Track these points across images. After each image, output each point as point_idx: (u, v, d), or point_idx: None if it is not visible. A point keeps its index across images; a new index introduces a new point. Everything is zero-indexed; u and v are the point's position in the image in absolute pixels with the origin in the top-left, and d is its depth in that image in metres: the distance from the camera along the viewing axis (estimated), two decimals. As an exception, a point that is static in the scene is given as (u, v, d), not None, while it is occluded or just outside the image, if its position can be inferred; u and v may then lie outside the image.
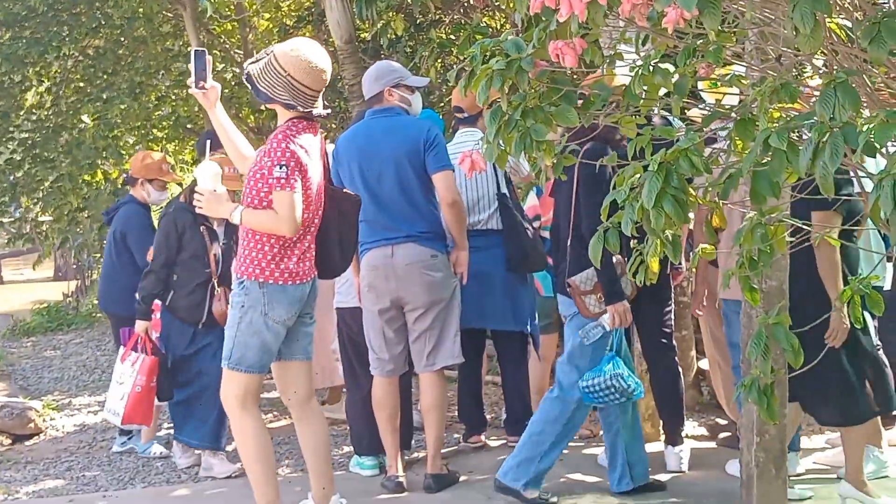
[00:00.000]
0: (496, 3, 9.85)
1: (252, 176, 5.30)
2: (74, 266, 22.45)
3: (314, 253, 5.45)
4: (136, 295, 7.00)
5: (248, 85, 5.39)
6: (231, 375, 5.34)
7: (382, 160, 6.18)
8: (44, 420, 9.07)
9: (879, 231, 5.84)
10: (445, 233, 6.32)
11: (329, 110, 5.52)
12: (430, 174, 6.20)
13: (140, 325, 6.99)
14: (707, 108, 3.88)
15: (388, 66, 6.57)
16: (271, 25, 14.52)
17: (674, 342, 6.61)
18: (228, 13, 14.08)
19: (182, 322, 7.11)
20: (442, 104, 10.09)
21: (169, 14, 14.40)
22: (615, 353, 5.69)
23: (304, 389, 5.56)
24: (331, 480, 5.61)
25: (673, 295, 6.66)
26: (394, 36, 10.26)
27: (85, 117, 14.05)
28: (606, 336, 5.73)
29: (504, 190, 6.90)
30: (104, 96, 13.71)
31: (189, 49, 5.35)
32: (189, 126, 15.17)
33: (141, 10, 13.99)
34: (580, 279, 5.71)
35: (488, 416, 7.60)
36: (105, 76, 14.09)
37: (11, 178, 14.59)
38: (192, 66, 5.46)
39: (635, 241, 3.61)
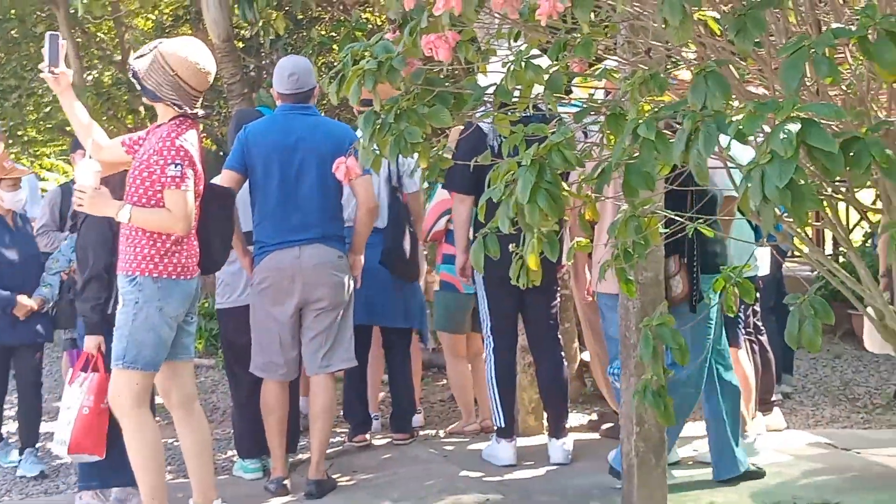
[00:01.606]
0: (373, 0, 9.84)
1: (138, 174, 5.27)
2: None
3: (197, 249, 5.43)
4: (81, 307, 6.00)
5: (134, 81, 5.40)
6: (126, 375, 5.24)
7: (304, 158, 6.07)
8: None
9: (749, 220, 5.98)
10: (344, 235, 6.30)
11: (205, 111, 5.54)
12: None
13: (91, 342, 5.89)
14: (580, 104, 3.91)
15: (310, 63, 6.54)
16: (149, 24, 14.33)
17: (559, 335, 6.66)
18: (103, 13, 13.85)
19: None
20: (324, 102, 10.03)
21: (42, 14, 14.13)
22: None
23: (186, 390, 5.51)
24: (212, 486, 5.55)
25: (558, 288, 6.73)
26: (275, 35, 10.22)
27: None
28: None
29: (400, 185, 6.99)
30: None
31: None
32: (68, 128, 14.91)
33: (13, 11, 13.71)
34: None
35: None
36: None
37: None
38: (45, 51, 5.43)
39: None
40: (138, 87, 5.44)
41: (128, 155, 5.50)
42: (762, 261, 6.83)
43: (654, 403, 3.53)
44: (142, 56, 5.37)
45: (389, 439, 7.20)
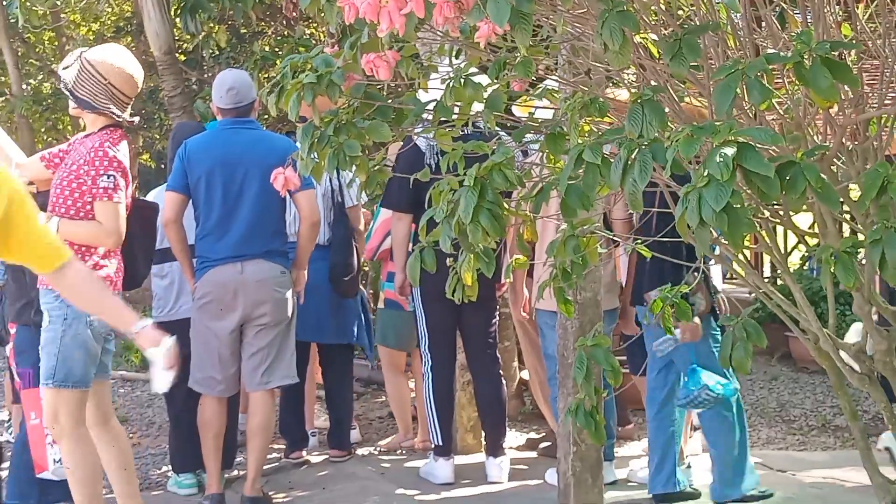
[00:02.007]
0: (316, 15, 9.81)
1: (66, 184, 5.16)
2: None
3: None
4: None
5: (66, 92, 5.33)
6: (58, 395, 5.06)
7: (246, 173, 5.99)
8: None
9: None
10: (287, 251, 6.25)
11: (137, 117, 5.55)
12: (294, 193, 5.97)
13: None
14: (518, 123, 3.92)
15: (249, 76, 6.49)
16: (90, 34, 14.21)
17: (497, 353, 6.66)
18: (43, 22, 13.72)
19: None
20: (266, 116, 10.00)
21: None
22: (695, 366, 5.62)
23: (104, 408, 5.36)
24: (140, 502, 5.46)
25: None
26: (217, 48, 10.16)
27: None
28: (679, 349, 5.66)
29: (343, 200, 6.95)
30: None
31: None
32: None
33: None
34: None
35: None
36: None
37: None
38: None
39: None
40: (70, 98, 5.36)
41: (47, 170, 5.37)
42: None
43: (585, 423, 3.53)
44: (67, 67, 5.30)
45: (326, 456, 7.15)
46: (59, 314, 5.05)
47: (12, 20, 9.95)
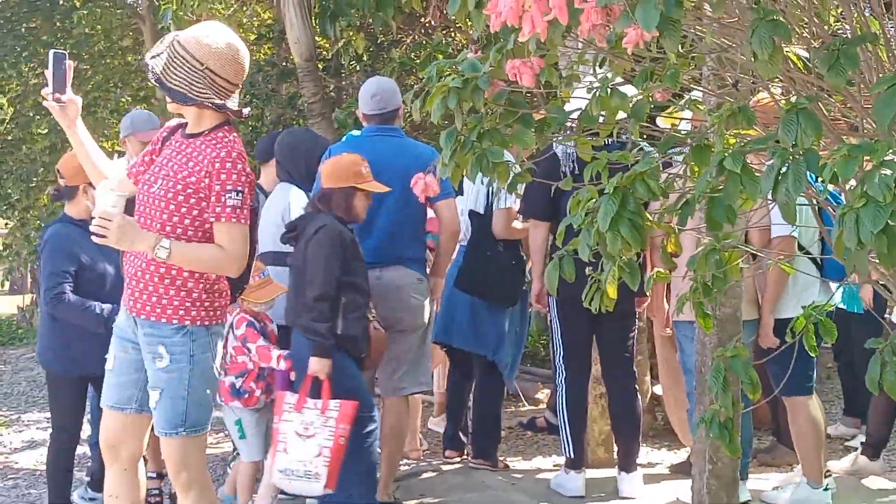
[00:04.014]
0: (456, 23, 9.85)
1: (184, 199, 4.39)
2: (30, 279, 22.33)
3: None
4: (310, 327, 5.40)
5: (157, 85, 4.44)
6: (188, 443, 4.46)
7: (390, 180, 5.86)
8: (-9, 436, 8.92)
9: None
10: (425, 258, 6.27)
11: (247, 108, 4.86)
12: (435, 201, 5.99)
13: (322, 364, 5.34)
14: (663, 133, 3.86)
15: (395, 83, 6.50)
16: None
17: (634, 367, 6.59)
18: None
19: (347, 356, 5.59)
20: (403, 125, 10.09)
21: (128, 28, 14.34)
22: None
23: (140, 446, 4.71)
24: None
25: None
26: (355, 55, 10.27)
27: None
28: None
29: (478, 209, 6.86)
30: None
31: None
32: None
33: (99, 25, 13.92)
34: None
35: None
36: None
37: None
38: (48, 73, 4.57)
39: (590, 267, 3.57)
40: (162, 91, 4.49)
41: (135, 186, 4.63)
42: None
43: (719, 435, 3.46)
44: (158, 55, 4.39)
45: (456, 464, 7.14)
46: (183, 351, 4.41)
47: (160, 27, 10.15)
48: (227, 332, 5.68)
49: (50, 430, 6.36)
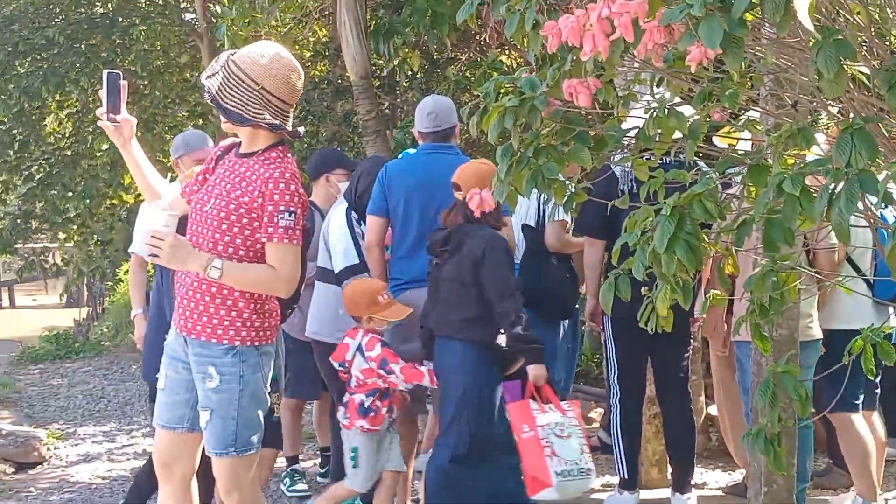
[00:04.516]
0: (511, 41, 9.86)
1: (236, 219, 4.38)
2: (87, 293, 22.57)
3: None
4: (524, 336, 5.50)
5: (213, 105, 4.42)
6: (243, 462, 4.48)
7: (446, 198, 5.87)
8: (48, 449, 8.98)
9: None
10: None
11: (302, 128, 4.94)
12: None
13: (541, 370, 5.57)
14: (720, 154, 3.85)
15: (451, 102, 6.51)
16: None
17: (689, 387, 6.54)
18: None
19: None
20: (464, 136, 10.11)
21: (186, 45, 14.48)
22: None
23: (194, 464, 4.69)
24: None
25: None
26: (410, 73, 10.29)
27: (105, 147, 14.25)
28: None
29: (530, 222, 6.81)
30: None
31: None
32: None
33: (158, 42, 14.06)
34: None
35: None
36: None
37: (26, 206, 14.84)
38: (103, 93, 4.59)
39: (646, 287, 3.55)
40: (218, 110, 4.43)
41: (188, 205, 4.65)
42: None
43: (764, 450, 3.44)
44: (214, 74, 4.40)
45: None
46: (233, 371, 4.40)
47: (218, 44, 10.23)
48: (354, 354, 5.74)
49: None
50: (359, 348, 5.73)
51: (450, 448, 5.57)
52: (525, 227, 6.81)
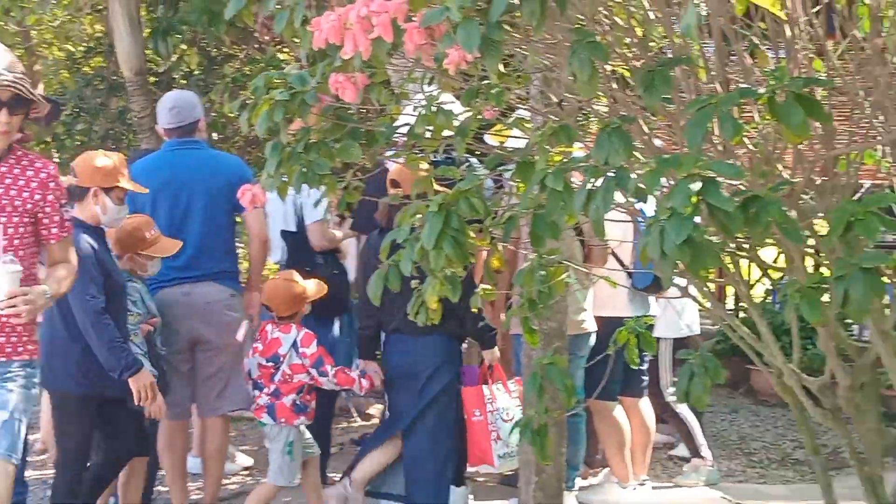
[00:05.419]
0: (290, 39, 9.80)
1: (24, 223, 4.39)
2: None
3: None
4: (479, 329, 6.00)
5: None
6: None
7: (193, 194, 5.91)
8: None
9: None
10: (238, 272, 6.19)
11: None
12: (243, 211, 5.92)
13: (495, 354, 6.09)
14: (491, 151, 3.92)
15: (194, 96, 6.41)
16: (61, 55, 14.15)
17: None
18: (13, 41, 13.65)
19: None
20: (235, 139, 9.96)
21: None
22: None
23: None
24: None
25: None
26: (188, 70, 10.13)
27: None
28: None
29: (290, 227, 6.67)
30: None
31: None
32: None
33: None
34: None
35: None
36: None
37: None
38: None
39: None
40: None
41: None
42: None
43: (531, 441, 3.54)
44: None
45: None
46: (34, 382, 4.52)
47: (-15, 38, 9.87)
48: (289, 350, 5.77)
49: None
50: (293, 344, 5.75)
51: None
52: (285, 234, 6.69)
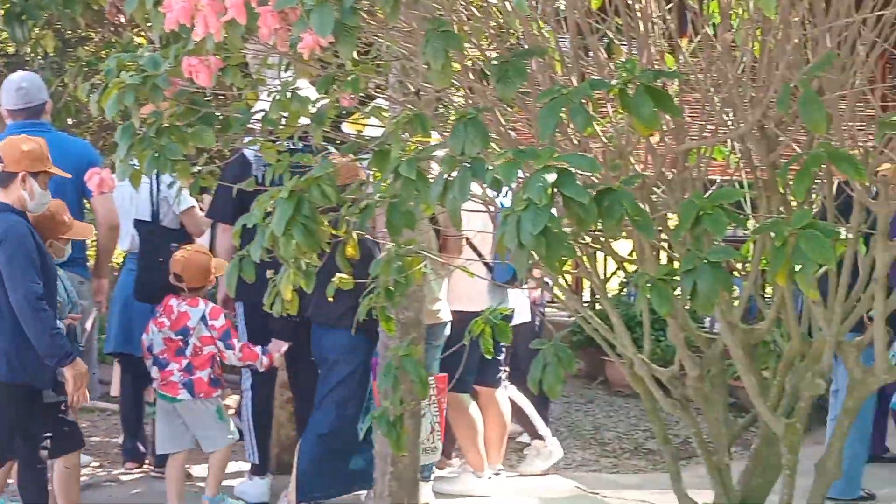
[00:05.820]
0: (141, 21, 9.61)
1: None
2: None
3: None
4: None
5: None
6: None
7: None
8: None
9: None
10: (87, 259, 6.06)
11: None
12: (91, 196, 5.87)
13: None
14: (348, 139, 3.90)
15: (40, 78, 6.27)
16: None
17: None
18: None
19: None
20: (89, 124, 9.74)
21: None
22: None
23: None
24: None
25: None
26: (44, 53, 9.88)
27: None
28: None
29: (144, 217, 6.53)
30: None
31: None
32: None
33: None
34: None
35: None
36: None
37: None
38: None
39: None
40: None
41: None
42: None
43: (387, 433, 3.54)
44: None
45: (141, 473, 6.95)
46: None
47: None
48: (198, 323, 5.81)
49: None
50: (202, 318, 5.79)
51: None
52: (139, 223, 6.52)
